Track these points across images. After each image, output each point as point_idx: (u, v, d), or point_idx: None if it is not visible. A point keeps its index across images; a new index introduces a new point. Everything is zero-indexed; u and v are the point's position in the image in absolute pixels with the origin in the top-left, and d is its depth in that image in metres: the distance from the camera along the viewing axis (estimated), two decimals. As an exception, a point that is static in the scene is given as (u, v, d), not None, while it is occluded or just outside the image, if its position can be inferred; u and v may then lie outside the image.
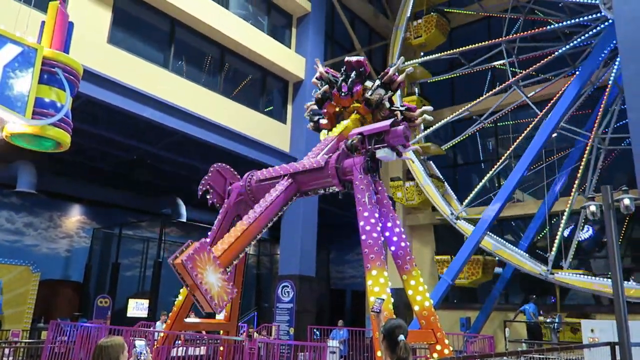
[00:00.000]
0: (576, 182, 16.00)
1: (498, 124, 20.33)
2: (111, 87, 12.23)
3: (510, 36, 17.62)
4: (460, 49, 18.63)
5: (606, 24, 15.40)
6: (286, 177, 8.61)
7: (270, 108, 17.94)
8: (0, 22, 6.82)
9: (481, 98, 17.97)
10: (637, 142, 11.21)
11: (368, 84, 9.24)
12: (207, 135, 14.55)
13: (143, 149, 16.11)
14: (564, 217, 15.81)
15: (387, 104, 9.19)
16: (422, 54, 20.59)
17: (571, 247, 15.75)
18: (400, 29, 20.29)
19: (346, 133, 8.99)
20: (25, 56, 5.94)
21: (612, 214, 8.32)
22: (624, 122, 16.52)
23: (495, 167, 17.31)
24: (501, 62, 17.98)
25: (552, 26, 16.77)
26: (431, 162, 19.80)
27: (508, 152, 17.13)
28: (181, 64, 15.04)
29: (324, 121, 9.84)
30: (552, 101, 16.72)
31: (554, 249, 15.47)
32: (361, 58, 9.37)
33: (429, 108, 9.53)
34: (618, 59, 16.00)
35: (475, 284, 18.21)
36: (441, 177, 19.48)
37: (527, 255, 16.21)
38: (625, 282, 12.79)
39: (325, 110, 9.73)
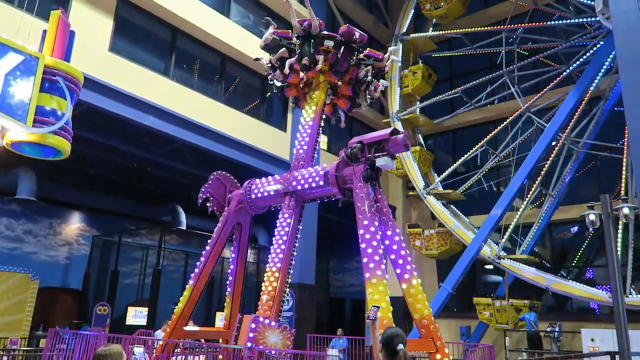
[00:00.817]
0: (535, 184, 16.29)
1: (497, 126, 20.44)
2: (112, 95, 12.28)
3: (510, 66, 17.75)
4: (461, 87, 18.89)
5: (602, 43, 15.56)
6: (288, 196, 8.80)
7: (271, 116, 17.98)
8: (2, 30, 6.87)
9: (476, 82, 18.35)
10: (637, 149, 11.23)
11: (328, 43, 9.43)
12: (207, 142, 14.58)
13: (143, 157, 16.12)
14: (522, 207, 16.45)
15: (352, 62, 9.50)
16: (418, 100, 20.60)
17: (527, 237, 16.50)
18: (393, 78, 20.42)
19: (320, 106, 9.45)
20: (27, 64, 5.98)
21: (611, 223, 8.33)
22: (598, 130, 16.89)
23: (474, 149, 17.74)
24: (507, 92, 18.17)
25: (553, 22, 16.91)
26: (419, 134, 19.96)
27: (485, 139, 17.38)
28: (182, 72, 15.10)
29: (291, 92, 10.36)
30: (537, 97, 17.05)
31: (506, 234, 15.81)
32: (311, 21, 9.68)
33: (395, 48, 9.79)
34: (602, 70, 16.29)
35: (445, 255, 18.81)
36: (426, 149, 19.92)
37: (487, 240, 16.60)
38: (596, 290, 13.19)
39: (290, 80, 9.94)
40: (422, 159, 19.17)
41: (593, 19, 15.54)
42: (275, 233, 8.72)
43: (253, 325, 7.37)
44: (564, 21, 16.70)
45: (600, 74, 16.28)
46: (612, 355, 9.92)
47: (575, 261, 17.82)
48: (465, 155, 17.86)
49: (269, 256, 8.72)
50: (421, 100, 20.33)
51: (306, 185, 8.63)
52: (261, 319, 7.64)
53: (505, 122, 17.31)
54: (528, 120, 17.39)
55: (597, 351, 11.73)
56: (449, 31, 19.77)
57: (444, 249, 18.69)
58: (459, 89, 18.73)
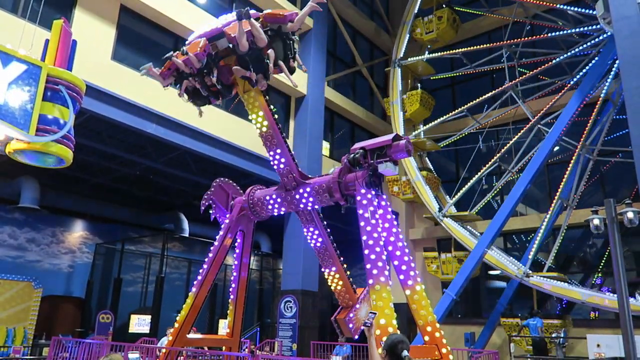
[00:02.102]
0: (558, 192, 16.13)
1: (500, 137, 20.39)
2: (115, 103, 12.33)
3: (514, 81, 17.70)
4: (464, 49, 18.78)
5: (605, 35, 15.55)
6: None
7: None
8: (5, 40, 6.91)
9: (480, 99, 18.25)
10: (639, 156, 11.18)
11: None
12: (209, 150, 14.60)
13: (145, 165, 16.15)
14: (544, 225, 16.21)
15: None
16: (421, 124, 20.63)
17: (551, 252, 15.98)
18: (407, 24, 20.38)
19: (266, 109, 8.95)
20: (30, 74, 6.00)
21: (615, 227, 8.29)
22: (615, 135, 16.82)
23: (485, 168, 17.50)
24: (502, 64, 18.06)
25: (554, 34, 16.91)
26: (427, 157, 19.82)
27: (499, 154, 17.37)
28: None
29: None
30: (545, 108, 16.99)
31: (533, 251, 15.63)
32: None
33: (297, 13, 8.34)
34: (611, 74, 16.25)
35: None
36: (435, 173, 19.60)
37: (509, 258, 16.38)
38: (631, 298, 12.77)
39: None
40: (430, 182, 19.07)
41: (593, 27, 15.61)
42: (312, 246, 9.47)
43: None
44: (565, 32, 16.72)
45: (610, 76, 16.28)
46: (618, 361, 9.85)
47: (601, 267, 17.58)
48: (478, 174, 17.59)
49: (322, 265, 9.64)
50: (427, 122, 20.24)
51: (315, 205, 8.81)
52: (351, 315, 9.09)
53: (514, 138, 17.11)
54: (537, 131, 17.37)
55: (602, 357, 11.65)
56: (446, 53, 19.63)
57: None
58: (463, 107, 18.61)
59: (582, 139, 16.37)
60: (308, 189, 8.64)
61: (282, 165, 8.98)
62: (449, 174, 21.73)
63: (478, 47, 18.65)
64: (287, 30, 8.33)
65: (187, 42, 8.85)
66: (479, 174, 17.64)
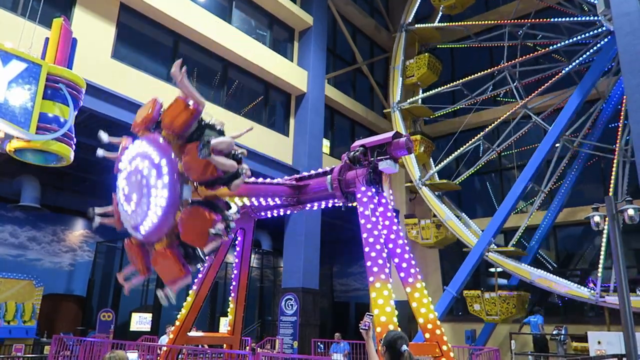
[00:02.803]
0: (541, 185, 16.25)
1: (500, 133, 20.40)
2: (115, 102, 12.32)
3: (512, 61, 17.75)
4: (462, 80, 18.81)
5: (606, 40, 15.53)
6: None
7: (273, 121, 18.01)
8: (5, 38, 6.90)
9: (479, 75, 18.35)
10: (639, 153, 11.19)
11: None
12: (210, 148, 14.57)
13: (146, 163, 16.13)
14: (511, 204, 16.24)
15: None
16: (420, 91, 20.66)
17: (519, 230, 16.34)
18: (397, 68, 20.41)
19: None
20: (30, 72, 6.00)
21: (616, 225, 8.29)
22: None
23: (469, 144, 17.78)
24: (507, 87, 18.16)
25: (556, 19, 16.90)
26: (446, 197, 19.59)
27: (484, 132, 17.54)
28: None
29: None
30: (535, 93, 17.10)
31: (515, 237, 16.16)
32: None
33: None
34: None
35: (441, 244, 19.13)
36: (431, 139, 19.89)
37: (475, 231, 16.80)
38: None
39: None
40: (423, 147, 19.13)
41: (595, 17, 15.53)
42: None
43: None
44: (567, 18, 16.70)
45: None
46: (619, 358, 9.86)
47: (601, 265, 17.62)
48: (462, 148, 17.87)
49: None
50: (423, 92, 20.33)
51: (317, 207, 8.86)
52: None
53: (502, 117, 17.30)
54: (527, 117, 17.41)
55: (604, 354, 11.66)
56: (454, 23, 19.80)
57: (440, 238, 18.69)
58: (460, 81, 18.71)
59: (617, 141, 16.34)
60: (310, 191, 8.70)
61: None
62: (450, 170, 21.74)
63: (483, 22, 19.02)
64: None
65: None
66: (462, 148, 17.94)
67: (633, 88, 11.48)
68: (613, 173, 15.57)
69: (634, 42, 11.78)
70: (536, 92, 16.96)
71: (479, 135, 17.67)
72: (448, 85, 19.15)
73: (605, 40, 15.62)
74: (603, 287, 14.35)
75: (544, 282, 15.11)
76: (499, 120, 17.35)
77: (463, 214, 18.79)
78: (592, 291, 14.36)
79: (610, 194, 14.90)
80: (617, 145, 15.87)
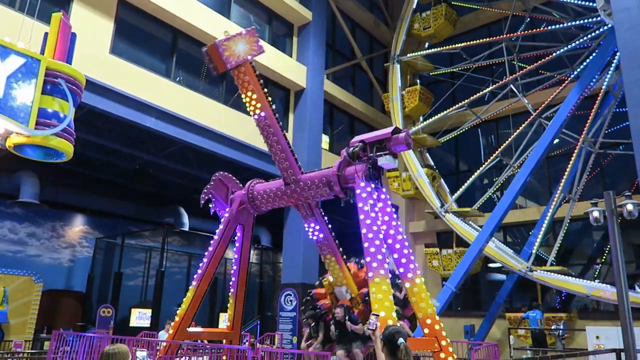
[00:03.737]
0: (561, 186, 16.09)
1: (500, 131, 20.39)
2: (113, 97, 12.30)
3: (512, 34, 17.63)
4: (463, 44, 18.67)
5: (606, 27, 15.50)
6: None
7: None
8: (3, 33, 6.88)
9: (480, 93, 18.22)
10: (639, 148, 11.19)
11: None
12: (209, 144, 14.59)
13: (145, 159, 16.15)
14: (547, 218, 16.07)
15: None
16: (426, 45, 20.46)
17: (554, 247, 15.96)
18: (405, 19, 20.31)
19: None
20: (29, 67, 5.98)
21: (615, 220, 8.31)
22: (616, 127, 16.79)
23: (487, 162, 17.46)
24: (501, 58, 17.97)
25: (553, 26, 16.85)
26: (427, 153, 19.72)
27: (500, 148, 17.32)
28: (183, 74, 15.12)
29: None
30: (546, 102, 16.95)
31: (536, 245, 15.61)
32: None
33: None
34: (612, 66, 16.20)
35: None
36: (436, 169, 19.49)
37: (511, 252, 16.30)
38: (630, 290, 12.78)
39: None
40: (430, 178, 19.03)
41: (593, 19, 15.56)
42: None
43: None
44: (564, 25, 16.67)
45: (611, 69, 16.25)
46: (617, 353, 9.90)
47: (602, 260, 17.58)
48: (480, 170, 17.56)
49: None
50: (429, 116, 20.10)
51: (315, 199, 8.87)
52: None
53: (515, 133, 17.05)
54: (524, 117, 17.38)
55: (602, 349, 11.70)
56: (445, 48, 19.54)
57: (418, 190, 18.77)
58: (463, 102, 18.53)
59: (583, 132, 16.33)
60: (308, 182, 8.64)
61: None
62: (448, 167, 21.74)
63: (477, 41, 18.56)
64: None
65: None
66: (480, 169, 17.59)
67: (632, 83, 11.48)
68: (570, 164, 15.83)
69: (633, 37, 11.77)
70: (547, 100, 16.90)
71: (496, 152, 17.32)
72: (452, 109, 18.88)
73: (605, 28, 15.59)
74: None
75: (600, 294, 14.34)
76: (514, 135, 17.08)
77: (442, 179, 19.06)
78: (524, 264, 15.01)
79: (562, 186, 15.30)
80: (582, 136, 16.03)
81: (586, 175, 17.00)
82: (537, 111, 16.92)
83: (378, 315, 5.12)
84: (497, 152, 17.35)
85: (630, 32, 11.88)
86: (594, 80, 15.76)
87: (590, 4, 15.65)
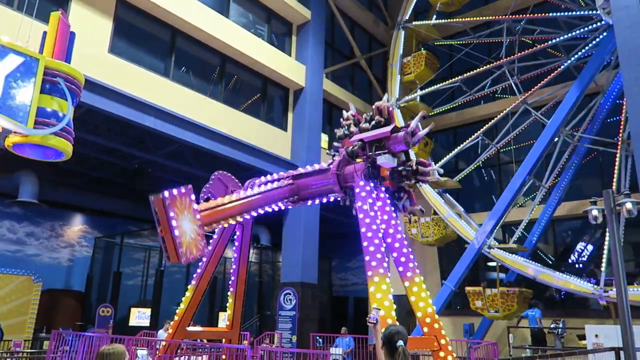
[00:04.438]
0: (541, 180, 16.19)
1: (498, 130, 20.38)
2: (112, 96, 12.28)
3: (511, 57, 17.62)
4: (460, 77, 18.58)
5: (604, 34, 15.50)
6: (287, 178, 8.70)
7: (271, 115, 17.98)
8: (2, 32, 6.86)
9: (477, 70, 18.20)
10: (639, 148, 11.19)
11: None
12: (208, 143, 14.58)
13: (144, 158, 16.13)
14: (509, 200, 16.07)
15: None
16: (418, 88, 20.51)
17: (520, 226, 16.00)
18: (394, 66, 20.28)
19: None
20: (27, 66, 5.96)
21: (614, 218, 8.31)
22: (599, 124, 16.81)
23: (468, 140, 17.57)
24: (505, 83, 18.03)
25: (552, 42, 16.86)
26: (448, 194, 19.43)
27: (482, 129, 17.36)
28: (182, 73, 15.11)
29: None
30: (535, 89, 16.98)
31: (517, 233, 15.79)
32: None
33: (439, 171, 9.03)
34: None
35: (441, 242, 18.69)
36: (460, 208, 19.21)
37: (472, 228, 16.62)
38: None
39: None
40: (421, 145, 19.06)
41: (594, 12, 15.49)
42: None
43: (183, 190, 6.73)
44: (565, 13, 16.66)
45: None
46: (616, 351, 9.90)
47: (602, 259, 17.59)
48: (462, 145, 17.80)
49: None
50: (421, 89, 20.24)
51: (315, 202, 8.81)
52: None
53: (502, 113, 17.25)
54: (526, 113, 17.36)
55: (601, 347, 11.71)
56: (451, 20, 19.69)
57: (440, 236, 18.54)
58: (458, 78, 18.62)
59: (620, 135, 16.23)
60: (308, 182, 8.69)
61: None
62: (448, 166, 21.74)
63: (482, 18, 18.92)
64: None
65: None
66: (462, 145, 17.79)
67: (632, 81, 11.48)
68: (616, 167, 15.48)
69: (632, 35, 11.77)
70: (535, 87, 16.93)
71: (478, 132, 17.57)
72: (446, 82, 19.03)
73: (604, 34, 15.60)
74: (607, 281, 14.24)
75: (545, 278, 14.96)
76: (498, 117, 17.25)
77: (463, 211, 18.66)
78: (596, 286, 14.25)
79: (614, 187, 14.86)
80: (620, 138, 15.79)
81: (573, 169, 17.28)
82: (524, 97, 16.95)
83: (379, 309, 5.12)
84: (480, 131, 17.40)
85: (630, 30, 11.87)
86: (594, 78, 15.77)
87: (585, 12, 15.73)
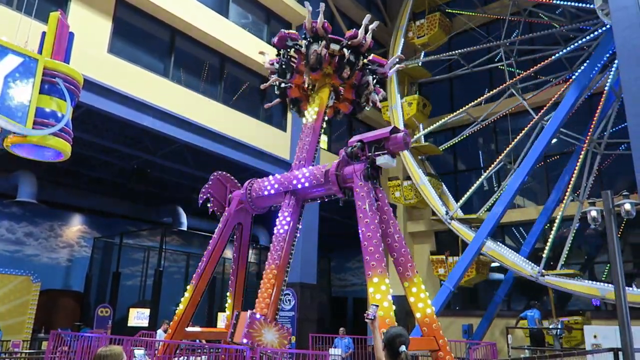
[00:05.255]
0: (570, 186, 16.05)
1: (497, 129, 20.40)
2: (112, 97, 12.28)
3: (510, 39, 17.67)
4: (460, 50, 18.70)
5: (604, 28, 15.50)
6: (288, 195, 8.85)
7: (270, 116, 17.97)
8: (1, 32, 6.86)
9: (480, 99, 18.13)
10: (637, 147, 11.21)
11: (334, 47, 9.47)
12: (207, 143, 14.58)
13: (143, 158, 16.12)
14: (557, 221, 15.86)
15: (351, 67, 9.50)
16: (422, 53, 20.61)
17: (564, 249, 15.78)
18: (401, 28, 20.38)
19: (322, 108, 9.43)
20: (26, 66, 5.96)
21: (613, 219, 8.32)
22: (620, 127, 16.75)
23: (491, 167, 17.41)
24: (500, 64, 18.01)
25: (551, 30, 16.86)
26: (428, 161, 19.71)
27: (504, 153, 17.24)
28: (181, 73, 15.10)
29: (294, 93, 10.37)
30: (547, 105, 16.90)
31: (546, 250, 15.53)
32: (318, 22, 9.69)
33: (397, 58, 9.82)
34: (614, 65, 16.19)
35: (470, 283, 18.40)
36: (438, 177, 19.47)
37: (520, 257, 16.23)
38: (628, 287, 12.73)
39: (294, 82, 10.21)
40: (433, 186, 19.03)
41: (591, 22, 15.61)
42: (275, 231, 8.66)
43: (249, 321, 7.22)
44: (562, 28, 16.70)
45: (613, 67, 16.24)
46: (615, 352, 9.91)
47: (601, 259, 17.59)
48: (484, 175, 17.58)
49: (269, 254, 8.68)
50: (425, 127, 20.13)
51: (307, 184, 8.60)
52: (258, 315, 7.50)
53: (520, 135, 17.03)
54: (523, 117, 17.41)
55: (599, 348, 11.72)
56: (441, 55, 19.55)
57: (421, 198, 18.86)
58: (463, 109, 18.55)
59: (589, 134, 16.28)
60: (304, 170, 8.72)
61: (303, 151, 9.41)
62: (447, 166, 21.76)
63: (474, 47, 18.70)
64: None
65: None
66: (484, 175, 17.59)
67: (630, 81, 11.51)
68: (577, 165, 15.75)
69: (631, 35, 11.79)
70: (548, 104, 16.86)
71: (499, 157, 17.36)
72: (451, 115, 18.85)
73: (604, 28, 15.60)
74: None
75: (493, 254, 15.47)
76: (517, 138, 17.03)
77: (443, 185, 19.06)
78: (535, 269, 14.98)
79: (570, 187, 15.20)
80: (588, 137, 15.94)
81: (592, 176, 16.91)
82: (540, 114, 16.82)
83: (378, 306, 5.12)
84: (500, 157, 17.29)
85: (629, 30, 11.90)
86: (590, 79, 15.77)
87: (587, 5, 15.69)
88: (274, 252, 8.35)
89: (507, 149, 17.21)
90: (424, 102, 20.27)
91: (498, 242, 16.69)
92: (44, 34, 6.59)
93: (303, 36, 9.85)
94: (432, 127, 19.29)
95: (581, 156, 16.11)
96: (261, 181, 9.44)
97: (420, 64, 20.19)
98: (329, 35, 9.56)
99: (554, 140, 16.90)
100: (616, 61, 15.94)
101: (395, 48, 20.38)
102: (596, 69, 15.69)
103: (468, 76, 19.72)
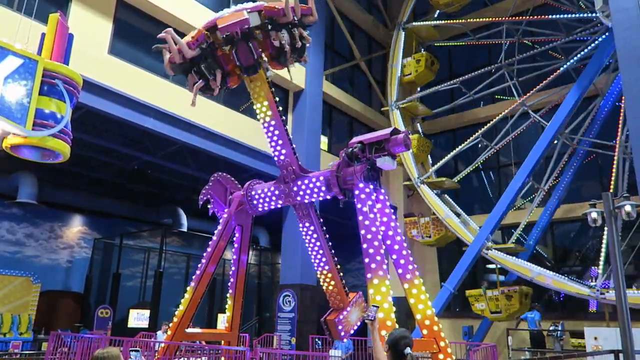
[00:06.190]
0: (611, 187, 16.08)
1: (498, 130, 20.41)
2: (112, 98, 12.28)
3: (510, 59, 17.73)
4: (460, 78, 18.75)
5: (603, 37, 15.52)
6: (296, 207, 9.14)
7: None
8: (1, 33, 6.86)
9: (492, 123, 18.14)
10: (638, 149, 11.20)
11: (224, 48, 8.80)
12: (207, 144, 14.57)
13: (143, 159, 16.12)
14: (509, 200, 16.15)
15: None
16: (418, 89, 20.66)
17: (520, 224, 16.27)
18: (395, 66, 20.38)
19: (271, 99, 9.25)
20: (26, 68, 5.96)
21: (613, 221, 8.31)
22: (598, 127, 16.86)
23: (467, 142, 17.84)
24: (504, 85, 18.08)
25: (549, 45, 16.92)
26: (418, 123, 19.83)
27: (481, 131, 17.44)
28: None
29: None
30: (532, 91, 17.11)
31: (516, 234, 16.15)
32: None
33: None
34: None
35: (442, 242, 18.85)
36: (425, 138, 19.82)
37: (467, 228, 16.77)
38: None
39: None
40: (420, 146, 19.08)
41: (593, 14, 15.52)
42: (307, 242, 9.49)
43: (339, 328, 9.31)
44: (564, 15, 16.69)
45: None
46: (615, 354, 9.89)
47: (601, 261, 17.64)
48: (460, 146, 17.88)
49: (314, 262, 9.89)
50: (420, 90, 20.29)
51: (312, 199, 8.79)
52: (339, 317, 9.34)
53: (501, 115, 17.29)
54: (526, 115, 17.40)
55: (600, 350, 11.70)
56: (451, 21, 19.71)
57: (440, 236, 18.58)
58: (457, 79, 18.68)
59: (617, 139, 16.20)
60: (306, 181, 8.64)
61: (282, 157, 9.00)
62: (447, 167, 21.76)
63: (482, 19, 18.98)
64: (284, 21, 9.07)
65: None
66: (461, 146, 18.03)
67: (631, 83, 11.50)
68: (614, 170, 15.46)
69: (632, 37, 11.78)
70: (534, 89, 16.95)
71: (477, 133, 17.63)
72: (446, 84, 19.11)
73: (603, 36, 15.63)
74: (604, 285, 14.21)
75: (543, 280, 14.95)
76: (497, 118, 17.33)
77: (462, 211, 18.66)
78: (593, 288, 14.24)
79: (611, 190, 14.82)
80: (617, 141, 15.76)
81: (572, 171, 17.36)
82: (522, 98, 17.03)
83: (378, 307, 5.10)
84: (479, 132, 17.62)
85: (629, 31, 11.89)
86: (592, 81, 15.78)
87: (585, 15, 15.80)
88: (319, 260, 9.91)
89: (485, 128, 17.41)
90: (432, 60, 20.21)
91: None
92: (43, 35, 6.59)
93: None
94: (427, 91, 19.50)
95: (615, 160, 15.93)
96: (260, 190, 9.37)
97: (418, 100, 20.24)
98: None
99: (555, 142, 16.92)
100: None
101: (392, 87, 20.28)
102: (597, 69, 15.70)
103: (469, 54, 19.80)
